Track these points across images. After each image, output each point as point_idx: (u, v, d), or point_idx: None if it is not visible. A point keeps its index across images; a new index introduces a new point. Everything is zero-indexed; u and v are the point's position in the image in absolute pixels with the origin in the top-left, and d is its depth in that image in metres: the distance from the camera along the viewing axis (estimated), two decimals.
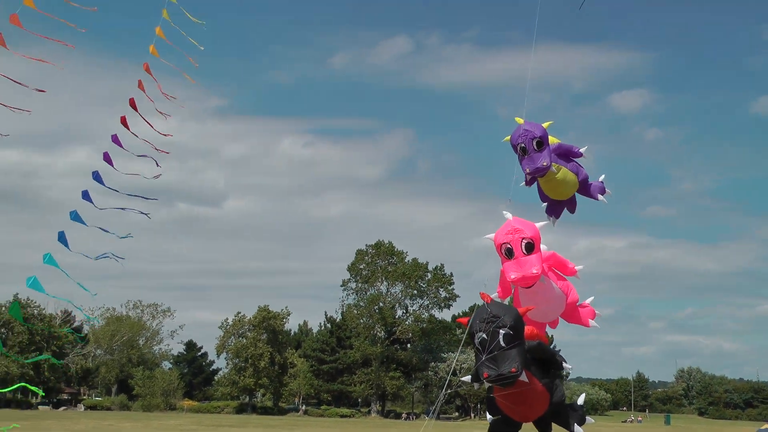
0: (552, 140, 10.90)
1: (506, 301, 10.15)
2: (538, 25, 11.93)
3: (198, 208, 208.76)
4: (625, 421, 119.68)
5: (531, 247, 9.47)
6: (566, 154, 10.97)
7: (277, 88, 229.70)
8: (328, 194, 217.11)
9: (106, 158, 10.47)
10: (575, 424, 10.06)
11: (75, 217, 9.70)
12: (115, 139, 10.66)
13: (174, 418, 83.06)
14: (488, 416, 10.21)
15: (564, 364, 10.16)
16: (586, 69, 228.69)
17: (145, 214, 10.82)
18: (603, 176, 11.71)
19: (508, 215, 9.92)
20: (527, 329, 9.44)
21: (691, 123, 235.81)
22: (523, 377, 8.84)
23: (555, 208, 11.34)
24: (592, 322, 10.96)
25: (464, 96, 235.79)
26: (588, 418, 10.30)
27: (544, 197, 11.21)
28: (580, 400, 10.63)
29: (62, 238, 9.39)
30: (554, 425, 10.06)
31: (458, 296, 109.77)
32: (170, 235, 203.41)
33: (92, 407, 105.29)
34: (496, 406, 9.87)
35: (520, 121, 10.66)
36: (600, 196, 11.59)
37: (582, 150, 11.02)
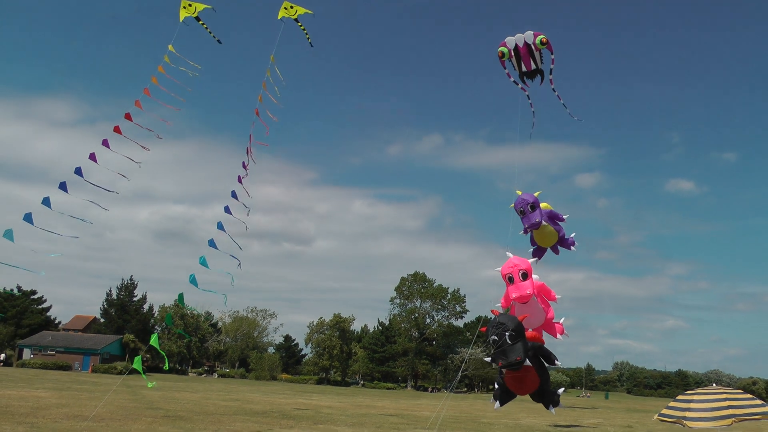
0: (546, 206, 12.98)
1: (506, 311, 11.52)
2: (527, 129, 14.13)
3: (296, 246, 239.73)
4: (579, 396, 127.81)
5: (525, 276, 11.36)
6: (553, 218, 13.08)
7: (351, 167, 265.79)
8: (383, 239, 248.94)
9: (227, 210, 13.32)
10: (551, 405, 12.24)
11: (203, 261, 11.23)
12: (234, 194, 13.85)
13: (275, 385, 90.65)
14: (496, 385, 12.57)
15: (555, 361, 12.26)
16: (560, 158, 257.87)
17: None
18: (574, 233, 13.51)
19: (510, 254, 12.03)
20: (531, 334, 11.04)
21: (627, 196, 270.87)
22: (527, 363, 10.68)
23: (538, 252, 13.23)
24: (559, 336, 13.06)
25: (477, 175, 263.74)
26: (560, 404, 12.11)
27: (533, 243, 13.31)
28: (560, 391, 12.58)
29: (193, 279, 10.69)
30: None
31: (468, 310, 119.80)
32: (277, 264, 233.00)
33: (222, 376, 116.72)
34: (503, 381, 11.95)
35: (518, 192, 12.71)
36: (572, 247, 14.06)
37: (564, 216, 13.25)
